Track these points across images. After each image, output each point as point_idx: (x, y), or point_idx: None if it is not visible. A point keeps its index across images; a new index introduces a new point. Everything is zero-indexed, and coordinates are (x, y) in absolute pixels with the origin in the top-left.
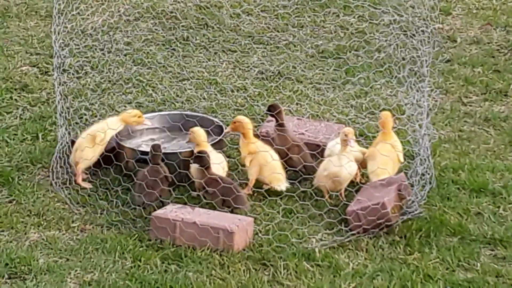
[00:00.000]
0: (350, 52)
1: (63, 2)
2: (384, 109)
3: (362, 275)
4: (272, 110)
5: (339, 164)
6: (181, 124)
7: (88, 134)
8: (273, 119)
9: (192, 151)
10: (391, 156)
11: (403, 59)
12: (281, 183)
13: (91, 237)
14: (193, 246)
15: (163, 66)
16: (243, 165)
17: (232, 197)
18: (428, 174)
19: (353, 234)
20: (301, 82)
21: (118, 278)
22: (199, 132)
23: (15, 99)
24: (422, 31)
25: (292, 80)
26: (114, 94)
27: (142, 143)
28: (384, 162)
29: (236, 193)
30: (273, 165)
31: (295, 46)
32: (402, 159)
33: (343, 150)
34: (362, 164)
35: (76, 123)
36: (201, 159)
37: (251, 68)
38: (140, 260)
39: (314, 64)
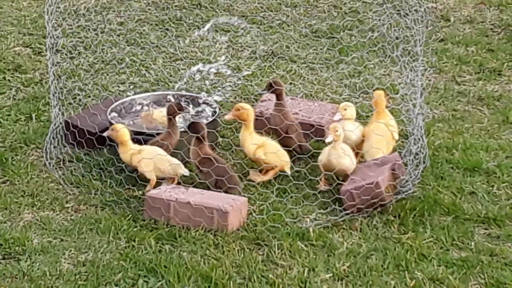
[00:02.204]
0: (343, 31)
1: None
2: (377, 89)
3: (356, 254)
4: (274, 86)
5: (326, 157)
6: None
7: None
8: (272, 96)
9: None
10: (385, 135)
11: (397, 38)
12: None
13: (85, 218)
14: (187, 226)
15: (157, 46)
16: (252, 159)
17: (226, 177)
18: (422, 153)
19: (347, 214)
20: (295, 61)
21: (113, 258)
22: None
23: (8, 80)
24: (416, 10)
25: (286, 59)
26: (107, 74)
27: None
28: (378, 141)
29: (230, 173)
30: (282, 152)
31: (288, 25)
32: (396, 137)
33: (333, 145)
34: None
35: (70, 103)
36: (196, 127)
37: (244, 48)
38: (134, 240)
39: (308, 44)
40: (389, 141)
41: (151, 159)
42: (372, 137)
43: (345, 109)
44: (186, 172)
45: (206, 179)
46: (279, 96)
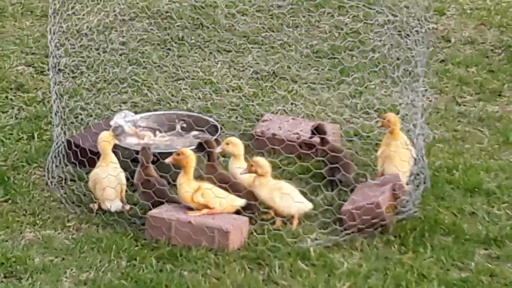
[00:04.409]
0: (344, 52)
1: (58, 2)
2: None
3: (356, 274)
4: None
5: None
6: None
7: None
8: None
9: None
10: (406, 154)
11: (398, 59)
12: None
13: (86, 237)
14: (188, 246)
15: (158, 66)
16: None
17: (166, 199)
18: (423, 174)
19: (347, 234)
20: (296, 82)
21: (114, 277)
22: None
23: (11, 99)
24: (417, 31)
25: (287, 80)
26: (109, 94)
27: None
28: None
29: (169, 195)
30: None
31: (290, 46)
32: (414, 155)
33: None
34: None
35: (72, 122)
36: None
37: (246, 68)
38: (135, 260)
39: (309, 64)
40: (409, 160)
41: None
42: (393, 156)
43: (227, 144)
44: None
45: (149, 200)
46: (210, 157)
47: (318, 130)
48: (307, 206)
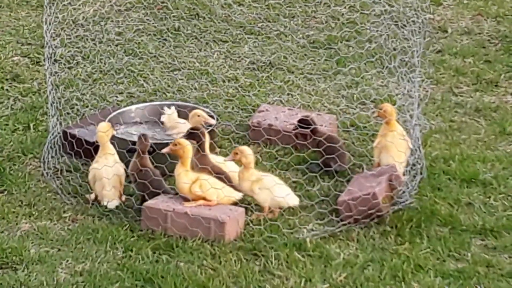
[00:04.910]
0: (341, 42)
1: None
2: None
3: (353, 265)
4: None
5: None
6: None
7: None
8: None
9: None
10: (402, 143)
11: (394, 49)
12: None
13: (82, 227)
14: (184, 236)
15: (155, 56)
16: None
17: (162, 190)
18: (419, 164)
19: (344, 224)
20: (292, 72)
21: (110, 268)
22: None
23: (6, 89)
24: (413, 21)
25: (283, 70)
26: (105, 84)
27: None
28: (396, 153)
29: (165, 186)
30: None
31: (286, 36)
32: (411, 146)
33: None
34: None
35: (68, 113)
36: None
37: (242, 59)
38: (131, 250)
39: (305, 55)
40: (406, 150)
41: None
42: (392, 149)
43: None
44: None
45: (144, 191)
46: (201, 146)
47: (303, 122)
48: (289, 202)
